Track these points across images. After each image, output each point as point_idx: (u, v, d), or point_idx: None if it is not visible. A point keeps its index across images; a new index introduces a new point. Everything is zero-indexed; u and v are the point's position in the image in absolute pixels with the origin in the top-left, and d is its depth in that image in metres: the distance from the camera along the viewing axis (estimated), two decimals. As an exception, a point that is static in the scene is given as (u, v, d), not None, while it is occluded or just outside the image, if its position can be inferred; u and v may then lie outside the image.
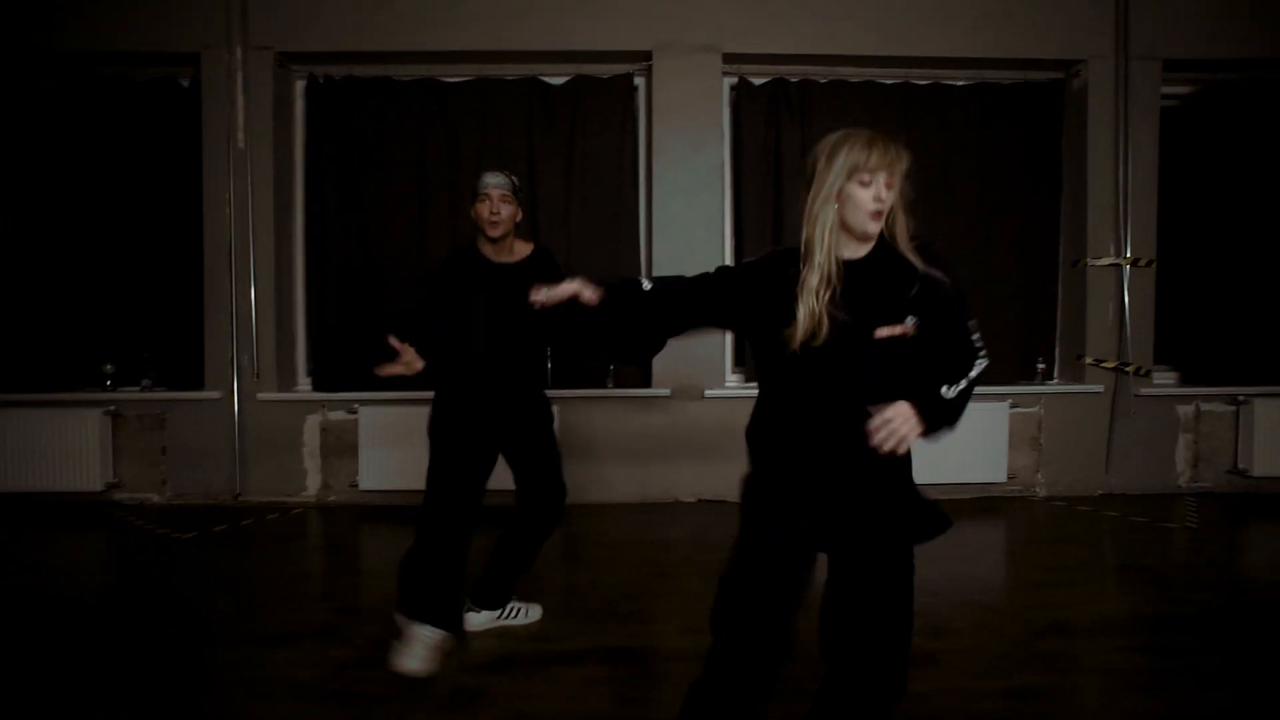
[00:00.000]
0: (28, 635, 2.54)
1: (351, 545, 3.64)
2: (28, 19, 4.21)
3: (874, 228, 1.45)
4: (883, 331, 1.45)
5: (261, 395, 4.29)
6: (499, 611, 2.63)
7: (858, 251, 1.49)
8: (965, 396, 1.47)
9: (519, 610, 2.67)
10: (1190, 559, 3.36)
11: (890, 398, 1.41)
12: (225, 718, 2.01)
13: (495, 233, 2.49)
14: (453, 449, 2.45)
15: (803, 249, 1.48)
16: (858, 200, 1.43)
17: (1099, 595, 2.90)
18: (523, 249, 2.60)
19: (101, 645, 2.45)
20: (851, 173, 1.42)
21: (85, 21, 4.21)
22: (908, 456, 1.49)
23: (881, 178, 1.43)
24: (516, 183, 2.56)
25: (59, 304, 4.32)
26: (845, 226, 1.47)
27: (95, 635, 2.53)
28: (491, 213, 2.47)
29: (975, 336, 1.51)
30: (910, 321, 1.46)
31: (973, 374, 1.49)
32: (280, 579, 3.14)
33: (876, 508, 1.49)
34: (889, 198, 1.44)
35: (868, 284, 1.47)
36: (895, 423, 1.38)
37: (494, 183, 2.50)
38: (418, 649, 2.27)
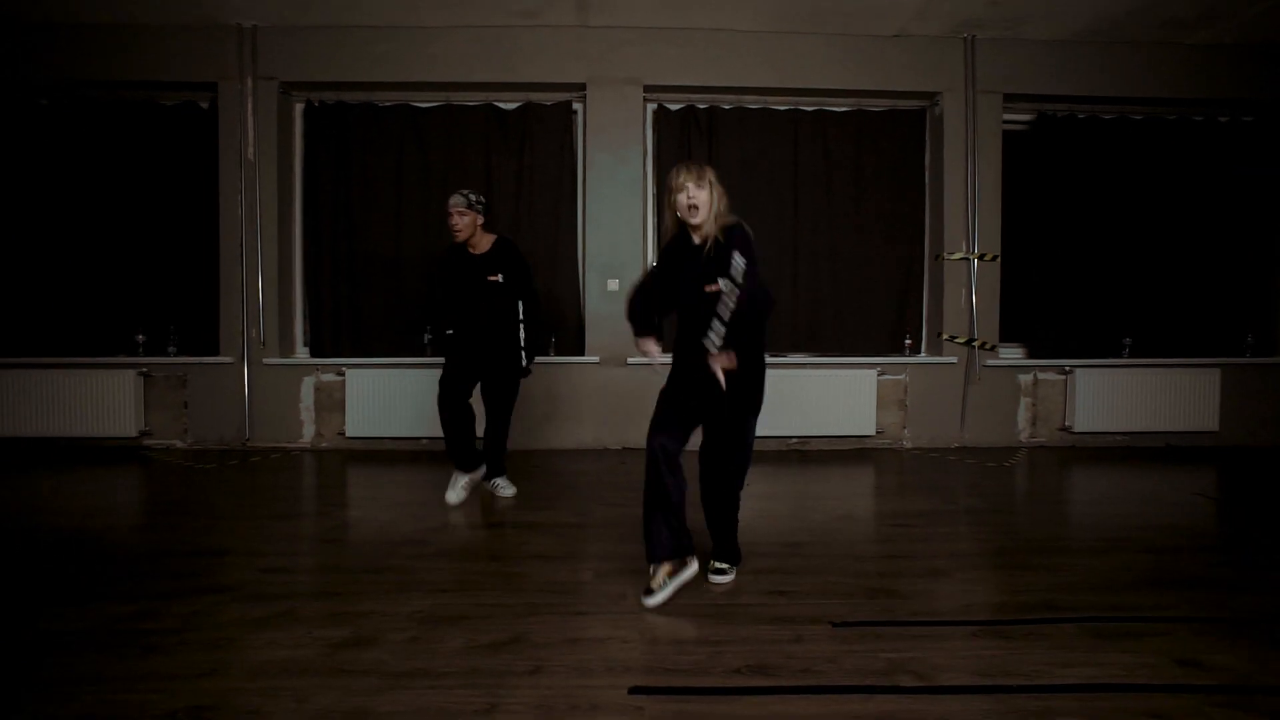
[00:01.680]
0: (92, 529, 3.51)
1: (339, 474, 4.60)
2: (71, 54, 5.16)
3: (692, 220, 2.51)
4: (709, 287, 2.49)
5: (266, 361, 5.26)
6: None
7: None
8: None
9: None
10: (982, 482, 4.37)
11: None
12: (246, 550, 2.98)
13: (456, 239, 3.65)
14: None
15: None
16: (678, 203, 2.52)
17: (893, 500, 3.90)
18: (487, 242, 3.70)
19: (147, 529, 3.43)
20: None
21: (121, 55, 5.17)
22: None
23: (689, 186, 2.50)
24: (473, 198, 3.65)
25: (101, 286, 5.29)
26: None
27: (142, 527, 3.52)
28: (451, 226, 3.63)
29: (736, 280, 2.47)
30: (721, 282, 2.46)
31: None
32: (282, 489, 4.12)
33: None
34: (699, 197, 2.49)
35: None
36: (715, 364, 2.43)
37: (451, 202, 3.65)
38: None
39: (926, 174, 5.66)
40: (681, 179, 2.50)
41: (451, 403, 3.71)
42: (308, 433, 5.35)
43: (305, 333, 5.53)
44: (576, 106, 5.49)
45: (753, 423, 2.64)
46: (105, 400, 5.10)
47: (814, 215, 5.53)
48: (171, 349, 5.32)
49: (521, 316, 3.74)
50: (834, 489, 4.29)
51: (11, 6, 4.92)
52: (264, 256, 5.27)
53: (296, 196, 5.50)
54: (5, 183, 5.27)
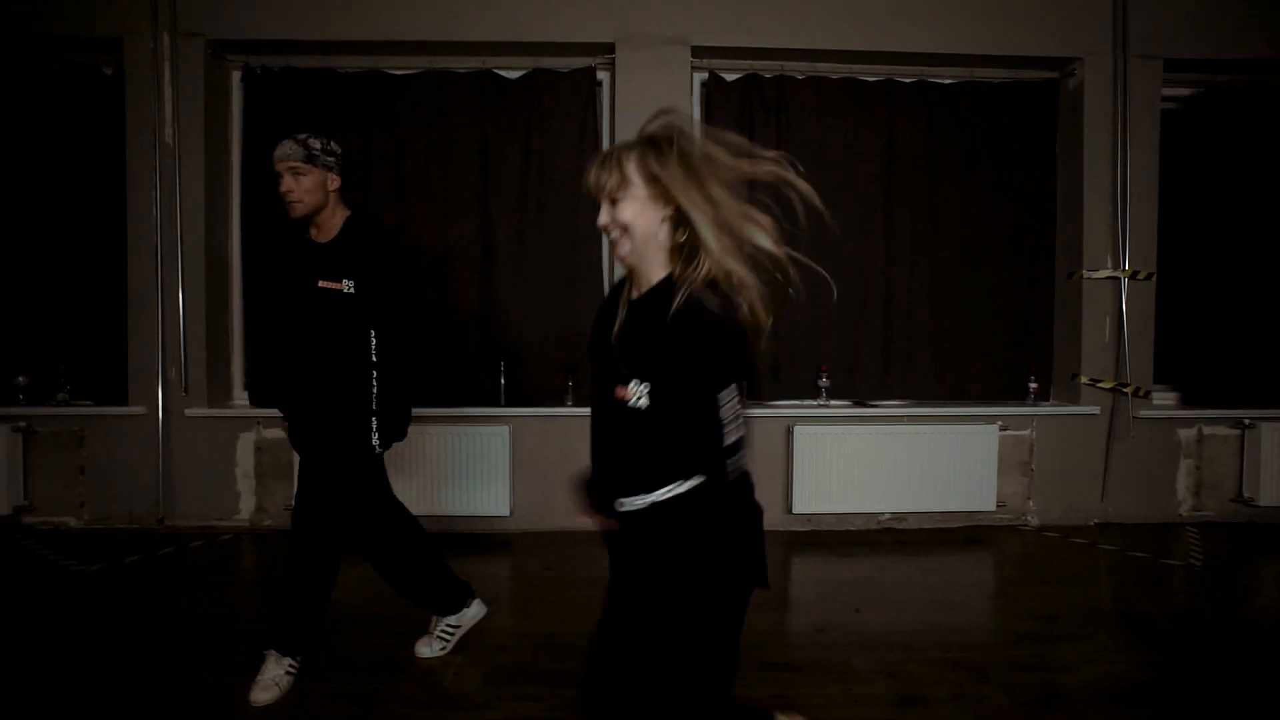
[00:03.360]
0: None
1: (278, 579, 3.30)
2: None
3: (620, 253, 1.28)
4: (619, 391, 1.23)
5: (190, 411, 3.95)
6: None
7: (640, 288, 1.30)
8: None
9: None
10: (1196, 605, 3.05)
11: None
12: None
13: (295, 214, 2.22)
14: None
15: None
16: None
17: (1094, 652, 2.58)
18: (337, 222, 2.26)
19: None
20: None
21: None
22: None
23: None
24: (318, 146, 2.21)
25: (-32, 311, 3.98)
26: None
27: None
28: (285, 190, 2.19)
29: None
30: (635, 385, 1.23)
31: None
32: (184, 616, 2.81)
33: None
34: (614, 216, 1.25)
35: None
36: None
37: (280, 155, 2.19)
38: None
39: (1059, 165, 4.33)
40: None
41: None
42: (245, 507, 4.03)
43: (244, 373, 4.21)
44: (602, 74, 4.16)
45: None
46: (-32, 466, 3.79)
47: (912, 218, 4.21)
48: (63, 395, 4.00)
49: (374, 356, 2.23)
50: (980, 618, 2.97)
51: None
52: (187, 271, 3.95)
53: (234, 192, 4.18)
54: None
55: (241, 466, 4.03)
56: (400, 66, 4.09)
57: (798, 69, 4.17)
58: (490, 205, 4.06)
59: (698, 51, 4.06)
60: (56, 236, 4.01)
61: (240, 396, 4.22)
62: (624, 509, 1.26)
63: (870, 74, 4.21)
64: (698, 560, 1.21)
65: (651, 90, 4.00)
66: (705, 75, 4.15)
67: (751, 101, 4.11)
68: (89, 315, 4.04)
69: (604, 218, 1.25)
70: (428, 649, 2.50)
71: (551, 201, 4.08)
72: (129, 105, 3.92)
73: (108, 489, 3.98)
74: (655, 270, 1.26)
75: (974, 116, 4.23)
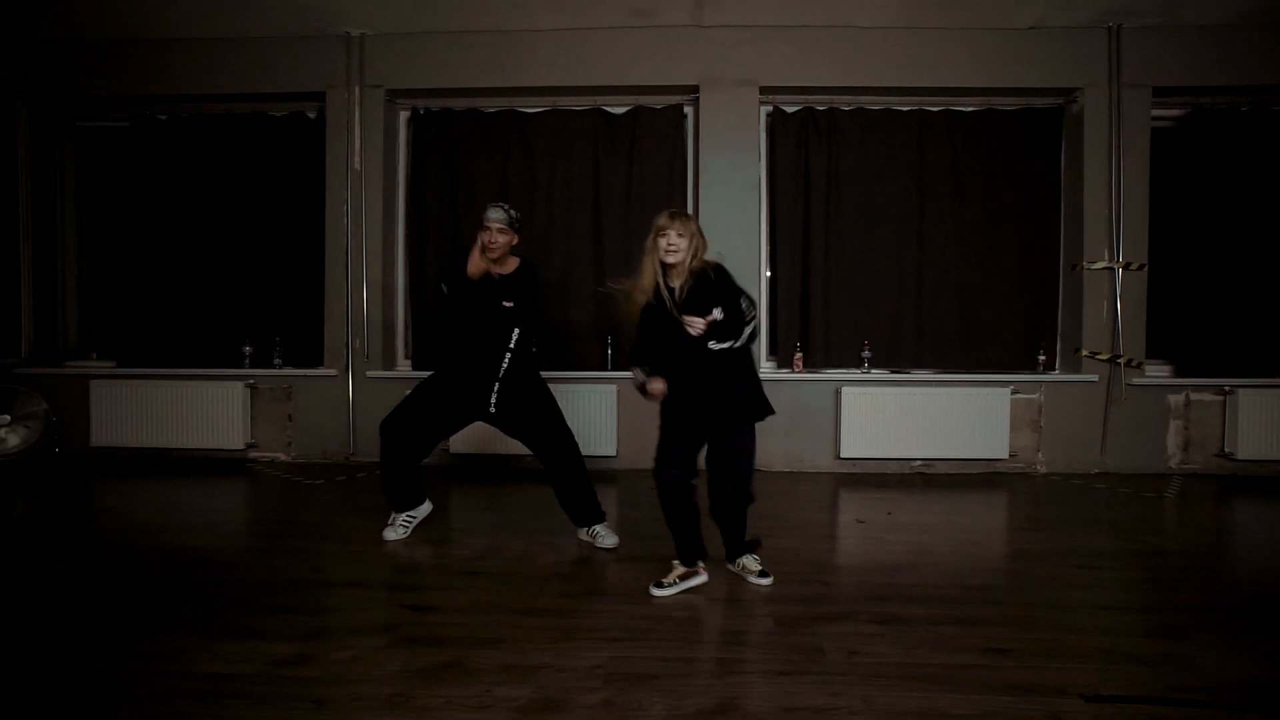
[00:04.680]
0: (224, 551, 3.40)
1: (445, 493, 4.44)
2: (186, 68, 5.18)
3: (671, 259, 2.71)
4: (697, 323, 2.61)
5: (370, 373, 5.16)
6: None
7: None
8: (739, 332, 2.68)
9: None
10: (1152, 515, 3.94)
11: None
12: (385, 583, 2.80)
13: (493, 256, 3.18)
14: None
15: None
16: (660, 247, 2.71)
17: (1062, 535, 3.51)
18: (512, 265, 3.30)
19: (276, 553, 3.30)
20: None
21: (233, 68, 5.17)
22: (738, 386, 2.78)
23: (672, 232, 2.70)
24: (514, 214, 3.20)
25: (210, 298, 5.28)
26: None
27: (270, 550, 3.39)
28: (489, 242, 3.13)
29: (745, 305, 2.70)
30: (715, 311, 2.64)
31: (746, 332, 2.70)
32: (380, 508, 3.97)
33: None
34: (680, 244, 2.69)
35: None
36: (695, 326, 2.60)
37: (494, 217, 3.14)
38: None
39: (1063, 176, 5.23)
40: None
41: (406, 432, 3.40)
42: (410, 447, 5.21)
43: (407, 344, 5.42)
44: (687, 110, 5.25)
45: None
46: (215, 412, 5.07)
47: (939, 222, 5.16)
48: (277, 360, 5.27)
49: (512, 345, 3.29)
50: (984, 520, 3.93)
51: (130, 25, 4.95)
52: (369, 268, 5.17)
53: (400, 206, 5.40)
54: (123, 195, 5.34)
55: (407, 417, 5.21)
56: (531, 106, 5.25)
57: (845, 102, 5.19)
58: (601, 214, 5.17)
59: (764, 90, 5.11)
60: (273, 241, 5.29)
61: (403, 363, 5.41)
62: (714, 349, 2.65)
63: (905, 105, 5.20)
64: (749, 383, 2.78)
65: (727, 122, 5.07)
66: (770, 109, 5.20)
67: (807, 129, 5.14)
68: (296, 300, 5.29)
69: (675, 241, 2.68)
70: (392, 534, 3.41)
71: (650, 211, 5.11)
72: (329, 141, 5.17)
73: (308, 432, 5.22)
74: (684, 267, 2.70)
75: (991, 138, 5.17)
